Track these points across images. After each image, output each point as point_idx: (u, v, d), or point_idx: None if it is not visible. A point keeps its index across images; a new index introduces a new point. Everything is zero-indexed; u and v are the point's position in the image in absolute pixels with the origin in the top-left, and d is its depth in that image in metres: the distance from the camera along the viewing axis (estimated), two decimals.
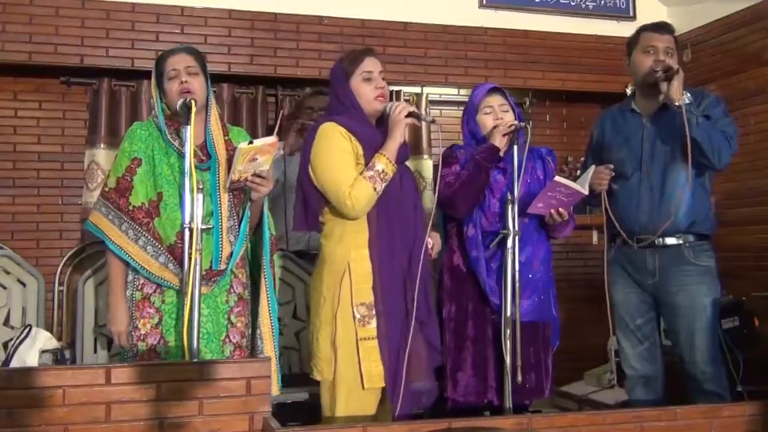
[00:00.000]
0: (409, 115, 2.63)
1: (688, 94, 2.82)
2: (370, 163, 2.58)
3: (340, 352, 2.57)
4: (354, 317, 2.56)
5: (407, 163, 2.84)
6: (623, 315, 3.09)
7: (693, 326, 2.91)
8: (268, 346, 2.66)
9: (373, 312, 2.57)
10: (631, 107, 3.08)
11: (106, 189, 2.64)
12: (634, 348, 3.06)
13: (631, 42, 3.07)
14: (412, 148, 4.57)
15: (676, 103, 2.79)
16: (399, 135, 2.60)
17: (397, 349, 2.57)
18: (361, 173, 2.57)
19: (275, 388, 2.57)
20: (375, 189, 2.55)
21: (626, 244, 3.01)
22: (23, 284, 3.31)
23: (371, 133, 2.65)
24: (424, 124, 4.55)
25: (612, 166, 3.02)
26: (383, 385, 2.57)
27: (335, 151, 2.59)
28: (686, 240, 2.96)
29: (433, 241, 2.80)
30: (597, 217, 4.63)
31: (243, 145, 2.40)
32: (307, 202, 2.67)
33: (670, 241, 2.95)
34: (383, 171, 2.56)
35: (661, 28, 3.03)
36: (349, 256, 2.58)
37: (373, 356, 2.56)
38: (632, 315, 3.06)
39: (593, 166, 2.99)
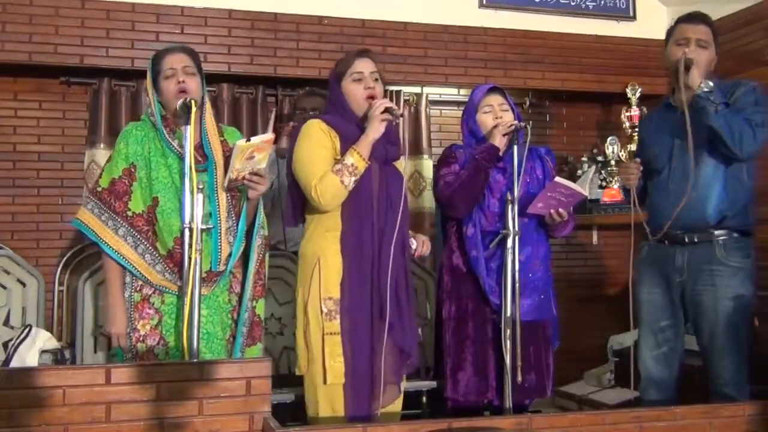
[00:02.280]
0: (385, 111, 2.61)
1: (709, 83, 2.72)
2: (341, 157, 2.60)
3: (308, 346, 2.60)
4: (321, 311, 2.58)
5: (409, 164, 2.83)
6: (646, 315, 2.96)
7: (714, 328, 2.78)
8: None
9: (339, 308, 2.58)
10: (669, 101, 2.98)
11: (99, 188, 2.60)
12: (651, 350, 2.94)
13: (667, 34, 2.97)
14: (412, 148, 4.57)
15: (696, 92, 2.71)
16: (372, 131, 2.60)
17: (359, 348, 2.57)
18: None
19: None
20: (343, 182, 2.55)
21: (659, 241, 2.91)
22: (23, 284, 3.31)
23: (356, 132, 2.65)
24: (424, 122, 4.55)
25: (639, 161, 2.94)
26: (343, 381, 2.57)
27: (311, 146, 2.62)
28: (718, 236, 2.81)
29: (417, 243, 2.78)
30: (597, 217, 4.68)
31: (241, 143, 2.40)
32: (293, 197, 2.71)
33: (701, 237, 2.82)
34: (353, 165, 2.56)
35: (695, 18, 2.91)
36: (320, 251, 2.62)
37: (336, 352, 2.56)
38: (656, 316, 2.93)
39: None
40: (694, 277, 2.83)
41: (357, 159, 2.57)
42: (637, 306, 2.98)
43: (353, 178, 2.56)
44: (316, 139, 2.63)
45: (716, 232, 2.82)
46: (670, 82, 2.99)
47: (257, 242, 2.69)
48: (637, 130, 4.67)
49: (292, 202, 2.74)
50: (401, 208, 2.63)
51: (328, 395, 2.57)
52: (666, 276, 2.92)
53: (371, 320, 2.59)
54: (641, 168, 2.94)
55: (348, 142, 2.62)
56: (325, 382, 2.55)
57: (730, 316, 2.77)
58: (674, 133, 2.87)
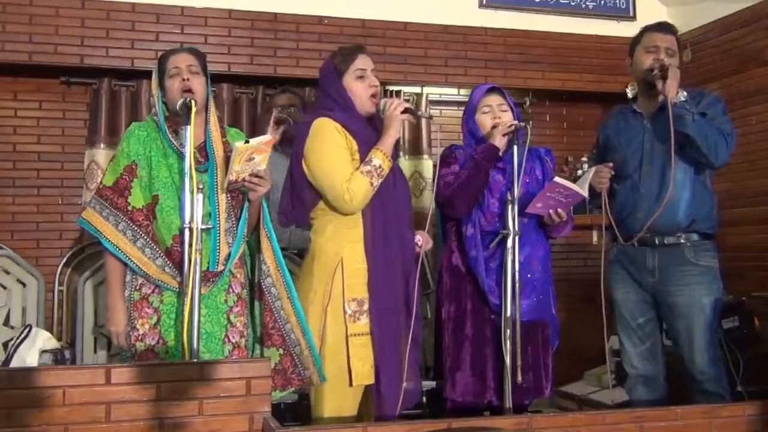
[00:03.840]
0: (405, 111, 2.62)
1: (684, 92, 2.83)
2: (366, 158, 2.58)
3: (326, 348, 2.57)
4: (345, 312, 2.55)
5: (409, 164, 2.85)
6: (624, 314, 3.08)
7: (692, 326, 2.90)
8: (302, 341, 2.61)
9: (365, 308, 2.56)
10: (633, 108, 3.09)
11: (102, 186, 2.63)
12: (635, 347, 3.06)
13: (634, 42, 3.07)
14: (412, 148, 4.59)
15: (672, 101, 2.79)
16: (394, 131, 2.60)
17: (391, 347, 2.56)
18: (357, 168, 2.57)
19: (316, 379, 2.57)
20: (372, 184, 2.54)
21: (627, 244, 3.00)
22: (23, 284, 3.31)
23: (365, 129, 2.65)
24: (424, 122, 4.55)
25: (611, 165, 3.01)
26: (371, 382, 2.57)
27: (330, 146, 2.58)
28: (687, 239, 2.94)
29: (422, 239, 2.78)
30: (597, 217, 4.66)
31: (239, 144, 2.40)
32: (299, 198, 2.65)
33: (670, 240, 2.94)
34: (380, 166, 2.56)
35: (664, 28, 3.04)
36: (342, 251, 2.58)
37: (362, 353, 2.54)
38: (633, 314, 3.05)
39: (593, 168, 3.00)
40: (666, 278, 2.94)
41: (383, 159, 2.57)
42: (613, 307, 3.09)
43: (380, 180, 2.56)
44: (334, 140, 2.58)
45: (685, 235, 2.94)
46: (634, 88, 3.11)
47: (264, 245, 2.69)
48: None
49: (299, 202, 2.66)
50: (409, 205, 2.67)
51: (345, 398, 2.56)
52: (638, 277, 3.03)
53: (399, 318, 2.59)
54: (613, 173, 3.02)
55: (362, 141, 2.61)
56: (351, 384, 2.54)
57: (704, 313, 2.89)
58: (643, 139, 2.99)
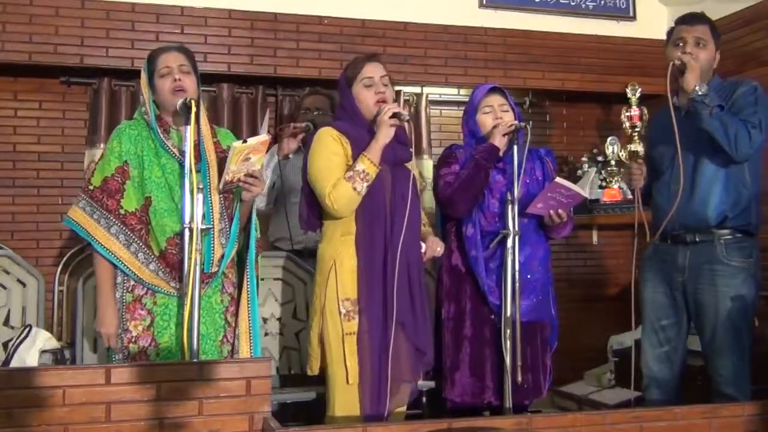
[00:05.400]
0: (393, 116, 2.65)
1: (704, 85, 2.73)
2: (352, 164, 2.62)
3: (326, 347, 2.63)
4: (340, 312, 2.61)
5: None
6: (649, 313, 2.98)
7: (715, 327, 2.80)
8: (244, 347, 2.65)
9: (357, 308, 2.61)
10: (673, 102, 2.95)
11: (90, 187, 2.58)
12: (653, 349, 2.96)
13: (667, 37, 2.99)
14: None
15: (689, 95, 2.73)
16: (382, 136, 2.63)
17: (376, 348, 2.59)
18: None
19: None
20: (355, 188, 2.59)
21: (663, 241, 2.93)
22: (23, 284, 3.30)
23: (367, 137, 2.68)
24: (423, 122, 4.56)
25: (641, 161, 2.95)
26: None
27: (324, 154, 2.66)
28: (719, 236, 2.82)
29: (426, 246, 2.79)
30: (597, 217, 4.68)
31: (237, 144, 2.39)
32: (310, 204, 2.75)
33: (702, 237, 2.84)
34: (364, 171, 2.60)
35: (689, 19, 2.93)
36: (336, 253, 2.65)
37: (354, 352, 2.59)
38: (658, 315, 2.95)
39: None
40: (695, 277, 2.85)
41: (368, 165, 2.61)
42: (640, 304, 2.99)
43: (365, 184, 2.60)
44: (328, 147, 2.66)
45: (718, 232, 2.83)
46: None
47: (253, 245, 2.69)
48: (637, 130, 4.70)
49: (310, 209, 2.75)
50: (409, 208, 2.65)
51: (347, 395, 2.59)
52: (669, 275, 2.93)
53: (384, 320, 2.61)
54: (644, 168, 2.95)
55: (359, 147, 2.66)
56: (348, 381, 2.58)
57: (730, 316, 2.78)
58: (677, 134, 2.84)
